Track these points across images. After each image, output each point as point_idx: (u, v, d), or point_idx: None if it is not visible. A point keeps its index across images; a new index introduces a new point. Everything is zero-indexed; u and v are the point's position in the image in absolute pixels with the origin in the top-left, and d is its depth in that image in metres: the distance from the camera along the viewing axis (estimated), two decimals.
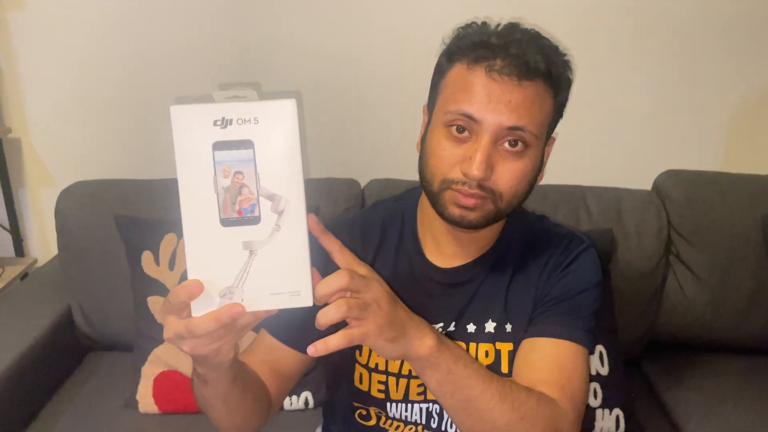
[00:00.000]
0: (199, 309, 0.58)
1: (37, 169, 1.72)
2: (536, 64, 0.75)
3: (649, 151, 1.65)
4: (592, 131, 1.63)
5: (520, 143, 0.76)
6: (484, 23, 0.80)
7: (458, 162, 0.76)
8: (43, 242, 1.78)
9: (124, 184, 1.49)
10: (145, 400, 1.29)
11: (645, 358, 1.55)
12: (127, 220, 1.38)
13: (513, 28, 0.79)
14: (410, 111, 1.65)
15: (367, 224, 0.94)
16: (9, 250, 1.76)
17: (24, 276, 1.71)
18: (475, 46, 0.77)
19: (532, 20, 0.81)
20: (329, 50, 1.58)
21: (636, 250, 1.44)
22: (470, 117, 0.75)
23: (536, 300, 0.87)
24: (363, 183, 1.55)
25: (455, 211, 0.78)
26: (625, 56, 1.57)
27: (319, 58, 1.59)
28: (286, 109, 0.57)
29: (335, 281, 0.61)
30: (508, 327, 0.87)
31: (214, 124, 0.57)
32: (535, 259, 0.89)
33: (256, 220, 0.58)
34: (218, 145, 0.57)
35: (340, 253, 0.66)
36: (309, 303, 0.60)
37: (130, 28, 1.57)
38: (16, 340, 1.34)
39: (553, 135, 0.85)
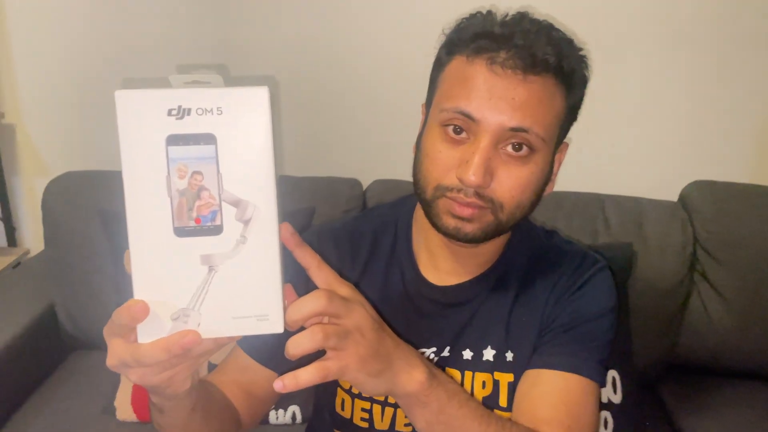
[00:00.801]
0: (147, 334, 0.49)
1: (31, 157, 1.66)
2: (545, 57, 0.66)
3: (677, 158, 1.54)
4: (613, 134, 1.53)
5: (524, 147, 0.67)
6: (489, 12, 0.72)
7: (454, 166, 0.68)
8: (37, 232, 1.72)
9: (115, 177, 1.40)
10: (124, 407, 1.23)
11: (662, 382, 1.45)
12: (112, 216, 1.31)
13: (521, 17, 0.70)
14: (419, 106, 1.57)
15: (357, 233, 0.85)
16: (2, 240, 1.70)
17: (16, 265, 1.65)
18: (477, 36, 0.68)
19: (544, 11, 0.71)
20: (330, 37, 1.49)
21: (658, 266, 1.34)
22: (468, 116, 0.67)
23: (542, 326, 0.78)
24: (366, 183, 1.47)
25: (450, 222, 0.69)
26: (652, 53, 1.46)
27: (318, 45, 1.50)
28: (257, 97, 0.48)
29: (310, 304, 0.52)
30: (509, 355, 0.78)
31: (169, 113, 0.48)
32: (543, 280, 0.80)
33: (217, 230, 0.49)
34: (173, 140, 0.48)
35: (318, 270, 0.57)
36: (279, 329, 0.51)
37: (128, 14, 1.50)
38: None
39: (566, 140, 0.76)
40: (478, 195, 0.67)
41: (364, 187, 1.46)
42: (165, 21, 1.50)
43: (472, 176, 0.65)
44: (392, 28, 1.48)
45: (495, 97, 0.66)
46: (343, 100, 1.54)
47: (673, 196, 1.48)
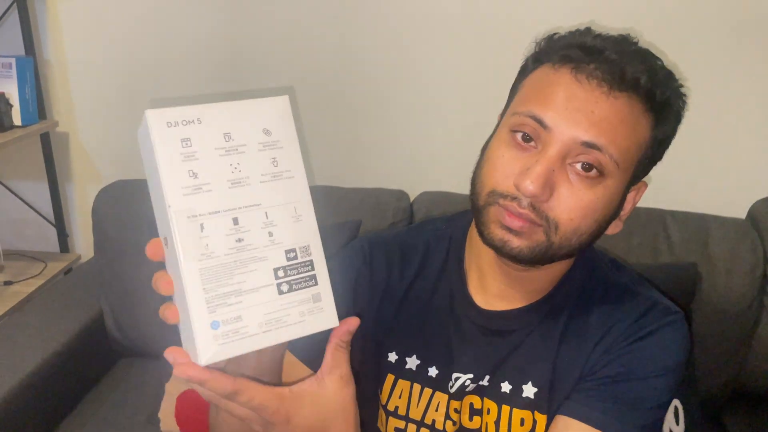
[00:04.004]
0: None
1: (84, 165, 1.69)
2: (635, 75, 0.61)
3: (746, 172, 1.45)
4: (677, 145, 1.42)
5: (595, 169, 0.62)
6: (587, 28, 0.68)
7: (514, 174, 0.63)
8: (88, 239, 1.74)
9: None
10: (167, 419, 1.23)
11: (727, 412, 1.36)
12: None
13: (622, 38, 0.66)
14: (471, 116, 1.54)
15: (409, 245, 0.81)
16: (54, 245, 1.74)
17: (68, 271, 1.69)
18: (568, 46, 0.65)
19: (611, 15, 0.67)
20: (377, 46, 1.46)
21: (724, 288, 1.26)
22: (540, 122, 0.62)
23: (584, 371, 0.71)
24: (413, 195, 1.43)
25: (497, 233, 0.64)
26: (722, 59, 1.38)
27: (365, 52, 1.47)
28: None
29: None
30: (547, 396, 0.72)
31: None
32: (598, 320, 0.72)
33: None
34: None
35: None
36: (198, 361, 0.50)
37: (178, 26, 1.51)
38: (46, 342, 1.31)
39: (645, 180, 0.70)
40: (533, 208, 0.62)
41: (412, 199, 1.42)
42: (212, 36, 1.50)
43: (530, 185, 0.60)
44: (447, 39, 1.44)
45: (573, 107, 0.61)
46: (390, 109, 1.51)
47: (742, 213, 1.39)
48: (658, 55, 0.66)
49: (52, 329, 1.35)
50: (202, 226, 0.47)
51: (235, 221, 0.48)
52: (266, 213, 0.50)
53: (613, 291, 0.74)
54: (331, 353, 0.54)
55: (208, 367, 0.48)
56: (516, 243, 0.63)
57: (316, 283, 0.51)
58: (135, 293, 1.39)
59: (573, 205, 0.62)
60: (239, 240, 0.48)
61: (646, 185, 0.71)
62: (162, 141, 0.47)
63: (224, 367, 0.55)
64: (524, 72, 0.70)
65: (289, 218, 0.50)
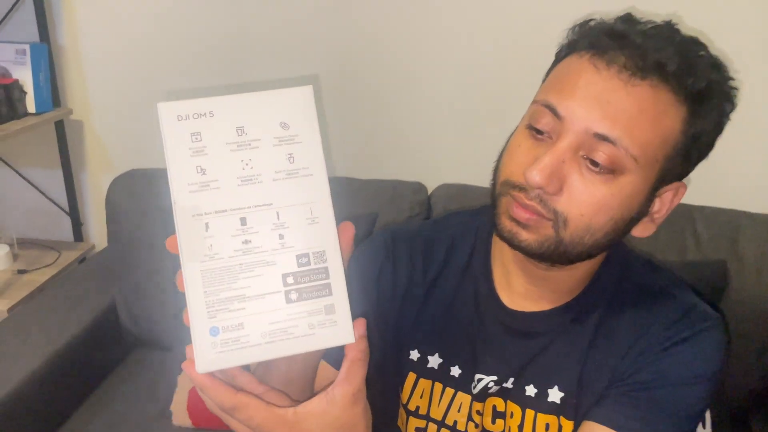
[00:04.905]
0: None
1: (98, 153, 1.68)
2: (660, 61, 0.56)
3: None
4: None
5: (608, 163, 0.57)
6: (628, 14, 0.63)
7: (527, 164, 0.60)
8: (102, 228, 1.73)
9: None
10: (179, 413, 1.22)
11: (755, 414, 1.31)
12: (172, 215, 1.29)
13: (664, 25, 0.61)
14: (490, 108, 1.50)
15: (433, 239, 0.78)
16: (68, 234, 1.73)
17: (82, 260, 1.68)
18: (598, 32, 0.61)
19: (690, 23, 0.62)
20: (395, 36, 1.43)
21: (754, 287, 1.22)
22: (554, 110, 0.59)
23: (614, 376, 0.67)
24: (431, 188, 1.40)
25: (506, 224, 0.62)
26: (756, 51, 1.32)
27: (382, 43, 1.44)
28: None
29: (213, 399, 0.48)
30: (575, 402, 0.69)
31: None
32: (631, 323, 0.68)
33: None
34: None
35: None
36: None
37: (194, 12, 1.48)
38: (59, 332, 1.31)
39: (685, 181, 0.65)
40: (542, 201, 0.59)
41: (429, 192, 1.39)
42: (227, 22, 1.48)
43: (536, 175, 0.57)
44: (466, 31, 1.40)
45: (589, 96, 0.57)
46: (408, 100, 1.48)
47: None
48: (707, 43, 0.61)
49: (65, 319, 1.35)
50: (206, 225, 0.44)
51: (243, 221, 0.45)
52: (277, 213, 0.46)
53: (646, 294, 0.69)
54: (346, 368, 0.49)
55: (213, 375, 0.46)
56: (524, 236, 0.61)
57: (330, 293, 0.46)
58: (148, 284, 1.38)
59: (584, 200, 0.58)
60: (246, 242, 0.45)
61: (685, 187, 0.66)
62: (171, 135, 0.45)
63: (254, 370, 0.52)
64: (556, 61, 0.66)
65: (304, 220, 0.46)
